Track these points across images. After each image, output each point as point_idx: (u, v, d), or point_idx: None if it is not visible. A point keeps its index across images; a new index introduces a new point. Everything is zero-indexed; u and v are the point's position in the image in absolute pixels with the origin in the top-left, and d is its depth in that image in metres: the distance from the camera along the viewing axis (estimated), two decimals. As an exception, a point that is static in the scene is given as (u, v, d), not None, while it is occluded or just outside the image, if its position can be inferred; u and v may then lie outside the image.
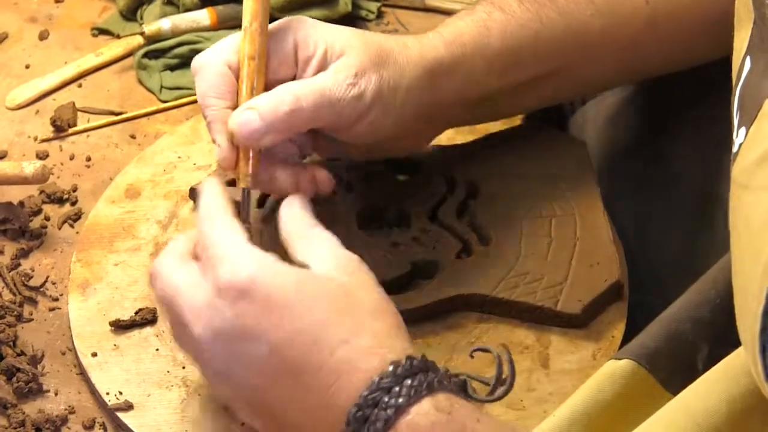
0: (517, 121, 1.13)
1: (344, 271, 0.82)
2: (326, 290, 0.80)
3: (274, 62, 0.92)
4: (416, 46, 0.96)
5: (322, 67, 0.92)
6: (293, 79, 0.92)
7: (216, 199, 0.86)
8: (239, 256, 0.80)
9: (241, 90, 0.91)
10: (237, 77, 0.91)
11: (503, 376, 0.80)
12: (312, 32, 0.93)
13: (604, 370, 0.83)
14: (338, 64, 0.91)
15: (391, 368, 0.76)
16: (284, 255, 0.95)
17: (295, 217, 0.87)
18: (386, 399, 0.75)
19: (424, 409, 0.75)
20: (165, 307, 0.85)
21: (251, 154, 0.90)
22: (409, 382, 0.76)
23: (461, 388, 0.79)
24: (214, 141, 0.91)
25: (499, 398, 0.80)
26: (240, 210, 0.92)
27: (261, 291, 0.79)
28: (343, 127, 0.93)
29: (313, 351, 0.78)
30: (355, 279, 0.82)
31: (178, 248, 0.85)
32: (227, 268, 0.80)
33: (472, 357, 0.85)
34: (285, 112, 0.89)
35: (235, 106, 0.91)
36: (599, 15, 1.00)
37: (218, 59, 0.92)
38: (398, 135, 0.96)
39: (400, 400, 0.75)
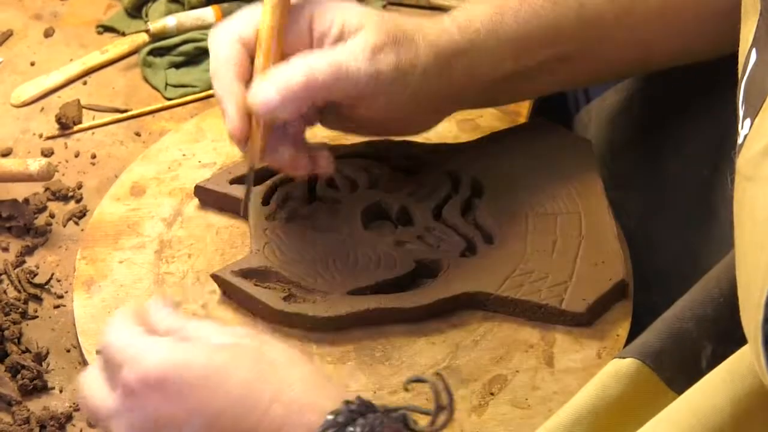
0: (522, 119, 1.13)
1: (246, 335, 0.82)
2: (238, 357, 0.78)
3: (290, 37, 0.92)
4: (432, 29, 0.95)
5: (338, 42, 0.92)
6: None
7: (123, 316, 0.83)
8: (141, 352, 0.78)
9: (258, 60, 0.91)
10: (252, 49, 0.91)
11: (442, 405, 0.78)
12: (329, 7, 0.93)
13: (609, 368, 0.83)
14: (355, 39, 0.91)
15: (330, 417, 0.75)
16: (294, 254, 0.96)
17: (169, 314, 0.84)
18: None
19: None
20: (92, 420, 0.85)
21: (260, 130, 0.91)
22: (351, 429, 0.74)
23: (403, 423, 0.78)
24: (223, 113, 0.91)
25: (442, 427, 0.77)
26: (245, 194, 0.94)
27: (174, 378, 0.77)
28: (358, 101, 0.93)
29: (247, 415, 0.76)
30: (256, 339, 0.81)
31: (94, 365, 0.83)
32: (132, 367, 0.77)
33: (407, 390, 0.83)
34: (299, 84, 0.89)
35: (245, 79, 0.91)
36: (612, 1, 0.99)
37: (232, 32, 0.92)
38: (411, 114, 0.96)
39: None
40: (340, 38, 0.92)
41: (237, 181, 1.03)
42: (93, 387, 0.81)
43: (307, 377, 0.78)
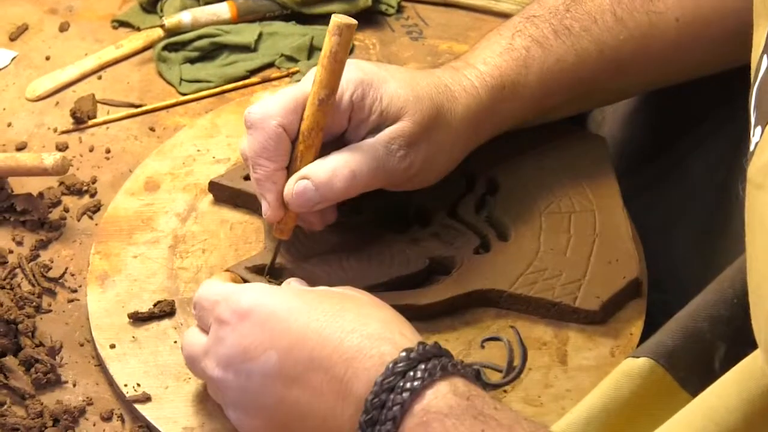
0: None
1: (335, 287, 0.86)
2: (323, 297, 0.83)
3: (331, 125, 0.93)
4: (462, 96, 0.97)
5: (375, 129, 0.93)
6: (343, 133, 0.94)
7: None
8: (238, 291, 0.84)
9: (303, 156, 0.92)
10: (292, 134, 0.92)
11: (514, 362, 0.80)
12: (369, 93, 0.93)
13: (622, 368, 0.83)
14: (392, 133, 0.93)
15: (404, 353, 0.77)
16: (308, 250, 0.97)
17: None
18: (401, 383, 0.76)
19: (441, 393, 0.76)
20: (192, 372, 0.88)
21: (292, 216, 0.94)
22: (423, 366, 0.76)
23: (476, 377, 0.79)
24: (261, 197, 0.94)
25: (514, 379, 0.81)
26: (271, 261, 0.96)
27: (263, 310, 0.82)
28: (390, 186, 0.96)
29: (322, 346, 0.79)
30: (348, 289, 0.86)
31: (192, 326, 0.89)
32: (225, 305, 0.83)
33: (483, 347, 0.85)
34: (340, 188, 0.91)
35: (286, 167, 0.93)
36: (631, 39, 1.01)
37: (274, 120, 0.92)
38: (438, 176, 0.99)
39: (415, 383, 0.76)
40: (378, 126, 0.93)
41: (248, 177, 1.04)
42: (190, 336, 0.87)
43: (389, 317, 0.82)
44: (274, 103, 0.92)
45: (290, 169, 0.93)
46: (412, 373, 0.76)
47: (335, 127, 0.93)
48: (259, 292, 0.83)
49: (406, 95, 0.94)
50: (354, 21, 0.90)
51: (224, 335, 0.82)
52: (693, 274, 1.03)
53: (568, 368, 0.92)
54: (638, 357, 0.83)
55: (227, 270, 0.97)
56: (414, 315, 0.94)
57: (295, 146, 0.92)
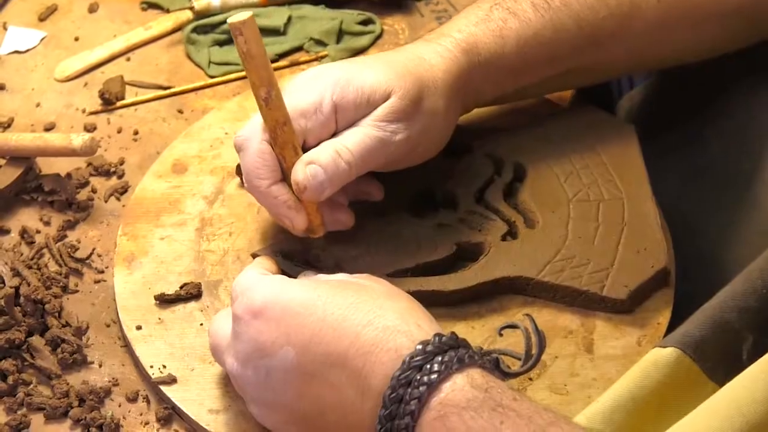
0: (565, 103, 1.12)
1: (353, 276, 0.86)
2: (338, 289, 0.82)
3: (315, 128, 0.92)
4: (440, 63, 0.97)
5: (365, 113, 0.93)
6: (335, 134, 0.93)
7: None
8: (254, 286, 0.84)
9: (286, 154, 0.92)
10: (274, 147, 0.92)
11: (531, 351, 0.79)
12: (349, 90, 0.93)
13: (649, 357, 0.83)
14: (383, 111, 0.93)
15: (420, 346, 0.77)
16: (335, 234, 0.96)
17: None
18: (417, 377, 0.76)
19: (458, 386, 0.75)
20: (218, 362, 0.89)
21: (314, 208, 0.93)
22: (439, 358, 0.76)
23: (494, 366, 0.79)
24: (277, 218, 0.94)
25: (532, 368, 0.81)
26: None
27: (275, 306, 0.82)
28: (392, 164, 0.95)
29: (338, 341, 0.79)
30: (364, 278, 0.85)
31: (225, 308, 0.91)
32: (241, 300, 0.84)
33: (500, 335, 0.85)
34: (345, 168, 0.91)
35: (280, 178, 0.92)
36: (611, 17, 1.01)
37: (257, 138, 0.92)
38: (434, 148, 0.98)
39: (432, 377, 0.75)
40: (367, 110, 0.93)
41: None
42: (217, 324, 0.88)
43: (405, 309, 0.81)
44: (257, 122, 0.93)
45: (284, 174, 0.92)
46: (428, 366, 0.76)
47: (324, 132, 0.93)
48: (273, 287, 0.83)
49: (387, 76, 0.94)
50: (249, 13, 0.87)
51: (240, 331, 0.83)
52: (720, 263, 1.03)
53: (594, 357, 0.92)
54: (666, 347, 0.83)
55: (254, 254, 0.97)
56: (440, 301, 0.94)
57: (276, 154, 0.92)
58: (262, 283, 0.84)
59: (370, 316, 0.79)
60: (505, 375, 0.80)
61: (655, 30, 1.02)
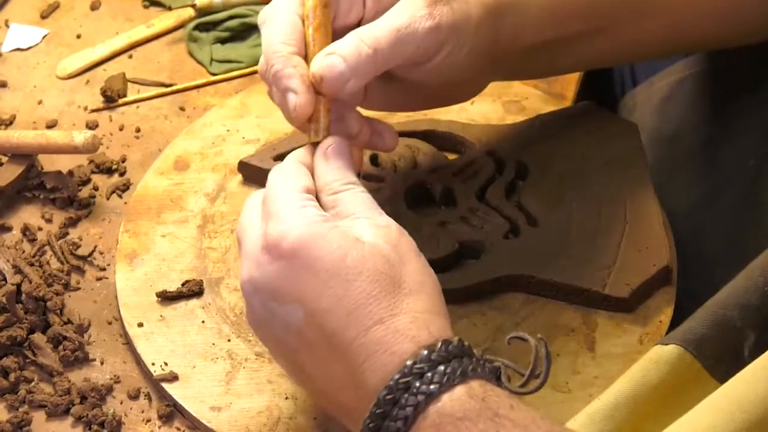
0: (567, 102, 1.12)
1: (388, 240, 0.81)
2: (370, 264, 0.79)
3: (344, 6, 0.90)
4: None
5: (392, 3, 0.89)
6: (360, 23, 0.90)
7: (295, 159, 0.86)
8: (291, 217, 0.80)
9: (315, 38, 0.88)
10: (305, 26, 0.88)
11: (537, 371, 0.79)
12: None
13: (651, 355, 0.83)
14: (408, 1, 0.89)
15: (425, 353, 0.75)
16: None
17: (333, 170, 0.85)
18: (417, 384, 0.74)
19: (456, 396, 0.74)
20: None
21: (325, 105, 0.87)
22: (442, 368, 0.75)
23: (495, 375, 0.78)
24: (285, 92, 0.87)
25: (531, 392, 0.78)
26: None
27: (304, 256, 0.79)
28: (420, 62, 0.90)
29: (348, 326, 0.78)
30: (397, 252, 0.81)
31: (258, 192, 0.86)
32: (276, 227, 0.80)
33: (509, 344, 0.84)
34: (368, 54, 0.86)
35: (303, 55, 0.88)
36: None
37: (289, 8, 0.89)
38: (462, 76, 0.94)
39: (432, 387, 0.74)
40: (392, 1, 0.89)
41: (281, 157, 1.03)
42: (249, 213, 0.84)
43: (421, 307, 0.79)
44: None
45: (307, 59, 0.88)
46: (430, 375, 0.75)
47: (353, 12, 0.90)
48: (309, 231, 0.79)
49: None
50: None
51: (262, 261, 0.80)
52: (722, 262, 1.02)
53: (596, 355, 0.92)
54: (667, 344, 0.82)
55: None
56: (442, 299, 0.94)
57: (305, 33, 0.88)
58: (300, 218, 0.80)
59: (385, 314, 0.77)
60: (503, 387, 0.78)
61: (702, 3, 1.00)
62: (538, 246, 0.96)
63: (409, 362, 0.75)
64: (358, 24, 0.90)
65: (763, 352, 0.76)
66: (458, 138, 1.04)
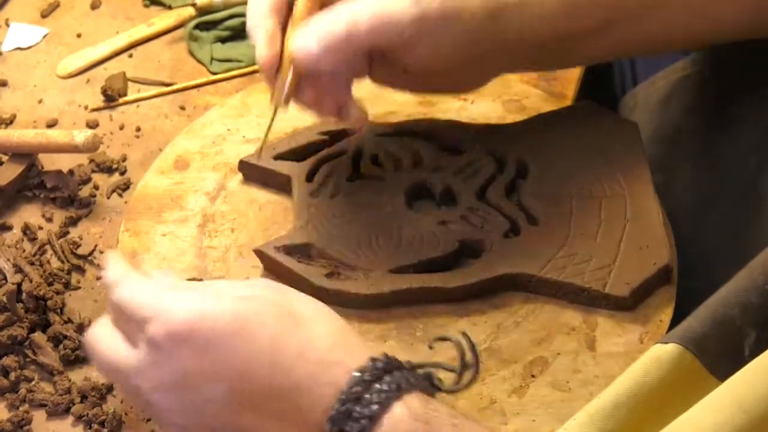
0: (568, 101, 1.12)
1: (263, 286, 0.80)
2: (264, 312, 0.77)
3: None
4: None
5: None
6: None
7: (120, 268, 0.82)
8: (168, 309, 0.76)
9: (298, 4, 0.88)
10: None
11: (467, 362, 0.78)
12: None
13: (651, 353, 0.82)
14: None
15: (357, 374, 0.75)
16: (337, 231, 0.96)
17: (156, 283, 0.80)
18: (358, 409, 0.74)
19: (398, 417, 0.74)
20: (113, 382, 0.84)
21: (291, 73, 0.88)
22: (378, 386, 0.74)
23: (427, 381, 0.77)
24: (254, 42, 0.89)
25: (466, 385, 0.78)
26: (264, 137, 0.93)
27: (198, 335, 0.75)
28: (403, 48, 0.90)
29: (272, 377, 0.75)
30: (278, 290, 0.80)
31: (102, 321, 0.82)
32: (157, 322, 0.76)
33: (431, 348, 0.83)
34: (340, 33, 0.86)
35: (281, 16, 0.89)
36: None
37: None
38: (457, 66, 0.93)
39: (374, 407, 0.73)
40: None
41: (281, 157, 1.04)
42: (108, 342, 0.79)
43: (334, 332, 0.77)
44: None
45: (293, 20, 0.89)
46: (368, 396, 0.73)
47: None
48: (191, 306, 0.76)
49: None
50: None
51: (160, 360, 0.75)
52: (723, 261, 1.02)
53: (596, 354, 0.92)
54: (667, 343, 0.82)
55: (255, 250, 0.97)
56: (442, 298, 0.94)
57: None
58: (178, 300, 0.76)
59: (301, 347, 0.75)
60: (439, 391, 0.77)
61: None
62: (538, 245, 0.96)
63: (345, 388, 0.74)
64: None
65: (764, 351, 0.76)
66: (459, 137, 1.04)
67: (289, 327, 0.76)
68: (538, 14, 0.94)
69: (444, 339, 0.79)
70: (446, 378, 0.77)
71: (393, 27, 0.88)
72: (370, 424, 0.73)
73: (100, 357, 0.80)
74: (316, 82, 0.91)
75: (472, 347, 0.76)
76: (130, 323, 0.78)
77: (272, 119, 0.92)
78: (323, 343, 0.76)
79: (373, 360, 0.75)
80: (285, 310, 0.78)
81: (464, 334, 0.76)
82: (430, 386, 0.77)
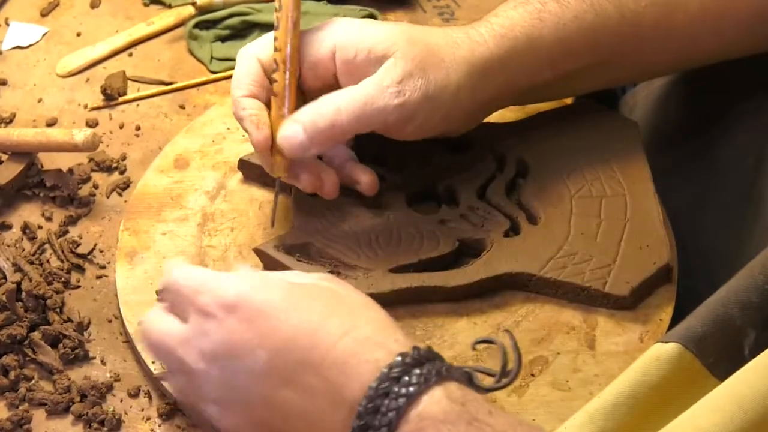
0: (568, 100, 1.12)
1: (323, 278, 0.84)
2: (315, 293, 0.80)
3: (315, 70, 0.93)
4: (465, 42, 0.95)
5: (366, 71, 0.92)
6: (336, 85, 0.93)
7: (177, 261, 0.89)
8: (219, 281, 0.81)
9: (278, 80, 0.93)
10: (268, 69, 0.93)
11: (507, 368, 0.79)
12: (352, 35, 0.93)
13: (651, 353, 0.82)
14: (382, 71, 0.92)
15: (399, 358, 0.76)
16: (337, 230, 0.96)
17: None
18: (396, 389, 0.75)
19: (435, 398, 0.75)
20: (160, 359, 0.86)
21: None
22: (418, 371, 0.75)
23: (468, 380, 0.78)
24: (245, 128, 0.94)
25: (506, 385, 0.79)
26: (273, 204, 0.97)
27: (250, 305, 0.79)
28: (390, 131, 0.94)
29: (313, 349, 0.77)
30: (336, 283, 0.83)
31: (155, 307, 0.86)
32: (209, 295, 0.80)
33: (474, 349, 0.84)
34: (325, 126, 0.90)
35: (263, 97, 0.93)
36: (653, 5, 0.99)
37: (250, 52, 0.94)
38: (446, 128, 0.97)
39: (411, 389, 0.74)
40: (368, 67, 0.92)
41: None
42: (159, 322, 0.83)
43: (380, 320, 0.80)
44: (263, 40, 0.95)
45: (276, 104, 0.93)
46: (407, 378, 0.75)
47: (323, 76, 0.94)
48: (246, 283, 0.81)
49: (394, 35, 0.93)
50: None
51: (209, 329, 0.80)
52: (723, 259, 1.02)
53: (596, 353, 0.92)
54: (667, 342, 0.82)
55: (255, 249, 0.97)
56: (442, 297, 0.94)
57: (278, 79, 0.93)
58: (231, 278, 0.81)
59: (347, 326, 0.78)
60: (478, 390, 0.78)
61: (697, 23, 1.00)
62: (539, 244, 0.96)
63: (385, 369, 0.75)
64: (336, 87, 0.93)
65: (763, 351, 0.76)
66: (459, 137, 1.04)
67: (337, 307, 0.79)
68: (524, 68, 0.97)
69: (488, 342, 0.80)
70: (483, 379, 0.78)
71: (376, 116, 0.91)
72: (407, 403, 0.74)
73: (150, 336, 0.84)
74: (309, 167, 0.96)
75: (515, 347, 0.78)
76: (182, 301, 0.82)
77: (277, 192, 0.97)
78: (369, 327, 0.78)
79: (417, 348, 0.77)
80: (334, 293, 0.81)
81: (507, 332, 0.77)
82: (469, 382, 0.78)
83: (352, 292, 0.83)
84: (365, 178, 0.97)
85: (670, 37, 1.01)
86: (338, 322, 0.78)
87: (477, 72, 0.95)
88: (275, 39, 0.93)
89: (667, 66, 1.07)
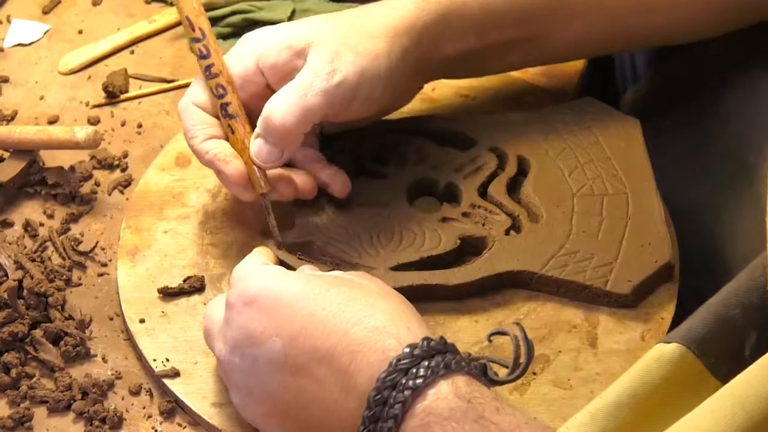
0: (569, 97, 1.12)
1: (343, 273, 0.86)
2: (334, 283, 0.82)
3: (246, 88, 0.95)
4: (386, 11, 0.96)
5: (294, 68, 0.93)
6: (269, 92, 0.94)
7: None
8: (250, 275, 0.84)
9: (238, 112, 0.95)
10: (206, 107, 0.96)
11: (520, 360, 0.79)
12: (268, 40, 0.95)
13: (652, 353, 0.82)
14: (310, 58, 0.93)
15: (407, 349, 0.76)
16: (339, 228, 0.96)
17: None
18: (403, 381, 0.75)
19: (442, 393, 0.75)
20: (208, 346, 0.89)
21: (250, 166, 0.94)
22: (426, 363, 0.76)
23: (482, 372, 0.78)
24: (216, 171, 0.96)
25: (518, 377, 0.79)
26: (270, 224, 0.97)
27: (268, 296, 0.81)
28: (340, 112, 0.94)
29: (327, 336, 0.79)
30: (361, 276, 0.85)
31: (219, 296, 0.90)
32: (236, 288, 0.84)
33: (490, 341, 0.85)
34: (279, 127, 0.91)
35: (214, 133, 0.95)
36: None
37: (184, 103, 0.97)
38: (390, 99, 0.98)
39: (417, 381, 0.75)
40: (294, 63, 0.94)
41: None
42: (212, 309, 0.87)
43: (396, 310, 0.81)
44: (194, 87, 0.97)
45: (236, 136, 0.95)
46: (414, 370, 0.75)
47: (255, 85, 0.95)
48: (268, 277, 0.83)
49: (310, 25, 0.95)
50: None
51: (231, 318, 0.83)
52: (725, 258, 1.02)
53: (598, 352, 0.92)
54: (669, 343, 0.82)
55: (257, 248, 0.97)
56: (444, 295, 0.94)
57: (231, 100, 0.95)
58: (258, 272, 0.85)
59: (360, 315, 0.79)
60: (492, 382, 0.79)
61: (633, 3, 1.01)
62: (540, 242, 0.96)
63: (393, 360, 0.76)
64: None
65: (765, 352, 0.76)
66: (460, 134, 1.04)
67: (354, 297, 0.80)
68: (449, 33, 0.98)
69: (502, 333, 0.81)
70: (498, 370, 0.79)
71: (321, 101, 0.92)
72: (412, 395, 0.75)
73: (203, 323, 0.88)
74: (282, 176, 0.97)
75: (527, 340, 0.78)
76: (229, 288, 0.86)
77: (268, 206, 0.96)
78: (383, 316, 0.79)
79: (427, 339, 0.77)
80: (354, 284, 0.82)
81: (517, 325, 0.78)
82: (482, 375, 0.78)
83: (373, 282, 0.84)
84: (338, 181, 0.98)
85: (600, 15, 1.01)
86: (353, 311, 0.79)
87: (403, 36, 0.95)
88: (211, 66, 0.95)
89: (599, 45, 1.06)
